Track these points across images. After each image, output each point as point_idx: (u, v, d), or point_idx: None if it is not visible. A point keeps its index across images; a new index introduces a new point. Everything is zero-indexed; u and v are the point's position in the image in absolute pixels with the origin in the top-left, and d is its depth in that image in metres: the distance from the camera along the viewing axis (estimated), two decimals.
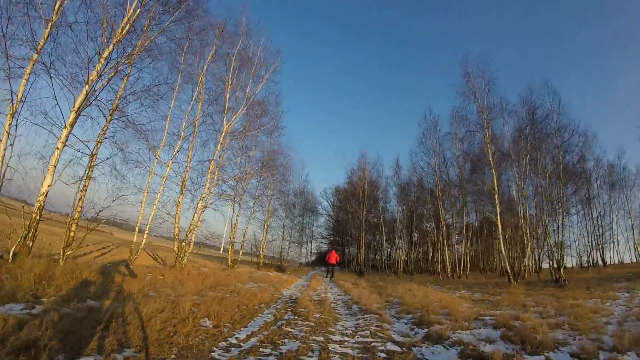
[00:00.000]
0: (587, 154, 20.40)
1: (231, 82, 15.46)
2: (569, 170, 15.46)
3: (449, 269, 22.39)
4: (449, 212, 24.41)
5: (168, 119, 14.05)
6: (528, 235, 15.21)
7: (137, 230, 13.67)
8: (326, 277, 19.14)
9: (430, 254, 32.70)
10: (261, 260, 21.18)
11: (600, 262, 22.95)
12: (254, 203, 20.14)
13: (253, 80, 15.89)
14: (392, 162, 35.21)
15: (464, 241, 24.26)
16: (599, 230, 23.10)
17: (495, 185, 14.23)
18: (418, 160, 26.14)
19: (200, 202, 14.07)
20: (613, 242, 24.29)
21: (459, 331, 4.85)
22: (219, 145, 14.09)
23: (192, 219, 14.15)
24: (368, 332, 5.03)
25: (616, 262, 24.49)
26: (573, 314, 5.85)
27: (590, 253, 22.76)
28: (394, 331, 5.20)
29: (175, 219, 14.56)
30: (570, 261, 23.09)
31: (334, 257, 18.93)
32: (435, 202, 24.20)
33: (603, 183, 23.47)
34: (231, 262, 18.72)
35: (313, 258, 49.44)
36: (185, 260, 14.54)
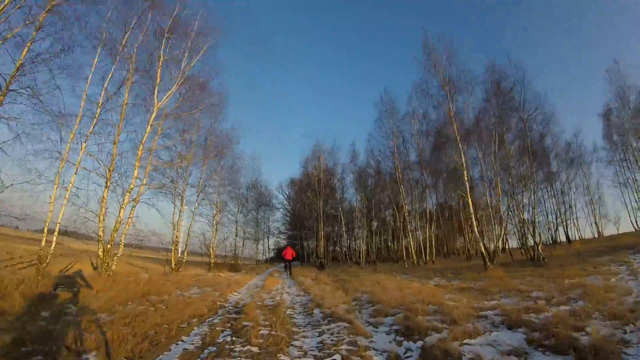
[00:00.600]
0: (546, 132, 20.63)
1: (163, 57, 13.17)
2: (534, 146, 15.20)
3: (414, 255, 21.84)
4: (409, 196, 23.87)
5: (84, 97, 11.48)
6: (501, 213, 14.78)
7: (45, 230, 11.03)
8: (284, 272, 18.59)
9: (391, 242, 32.43)
10: (212, 261, 19.03)
11: (564, 239, 23.70)
12: (198, 195, 17.85)
13: (189, 54, 13.70)
14: (349, 150, 33.90)
15: (427, 225, 23.84)
16: (562, 208, 23.69)
17: (464, 160, 13.48)
18: (375, 144, 25.22)
19: (127, 194, 11.76)
20: (574, 218, 25.26)
21: (467, 340, 3.52)
22: (149, 127, 11.85)
23: (119, 216, 11.80)
24: (338, 357, 3.54)
25: (577, 238, 25.40)
26: (587, 297, 4.89)
27: (556, 230, 23.18)
28: (375, 350, 3.77)
29: (99, 217, 12.07)
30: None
31: (290, 253, 18.74)
32: (394, 187, 23.49)
33: (561, 161, 24.12)
34: (175, 264, 16.44)
35: (272, 254, 47.56)
36: (115, 265, 12.17)
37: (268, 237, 40.35)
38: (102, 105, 10.98)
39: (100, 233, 12.15)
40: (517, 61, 15.48)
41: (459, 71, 14.38)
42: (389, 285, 8.34)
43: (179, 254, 16.99)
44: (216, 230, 19.51)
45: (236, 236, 25.13)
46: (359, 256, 28.30)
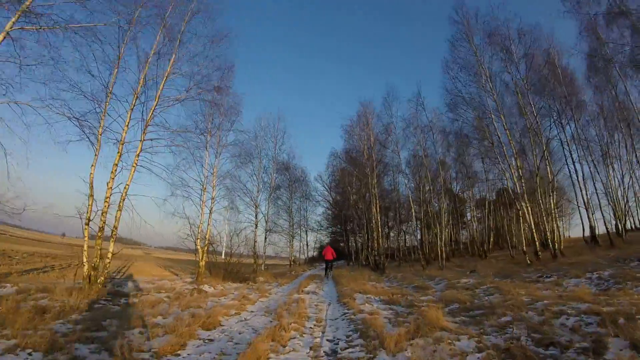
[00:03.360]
0: None
1: None
2: None
3: (527, 249, 13.25)
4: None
5: None
6: None
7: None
8: (325, 275, 16.55)
9: (478, 229, 23.59)
10: (202, 262, 11.51)
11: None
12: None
13: None
14: (411, 103, 21.67)
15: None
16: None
17: None
18: (455, 77, 16.01)
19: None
20: None
21: None
22: None
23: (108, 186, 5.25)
24: None
25: None
26: None
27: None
28: None
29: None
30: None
31: (330, 253, 17.26)
32: (489, 150, 14.82)
33: None
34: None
35: (313, 253, 40.28)
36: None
37: (306, 232, 32.97)
38: None
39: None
40: None
41: None
42: None
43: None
44: (212, 211, 12.33)
45: (256, 227, 18.28)
46: (436, 252, 20.19)
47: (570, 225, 29.87)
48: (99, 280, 7.46)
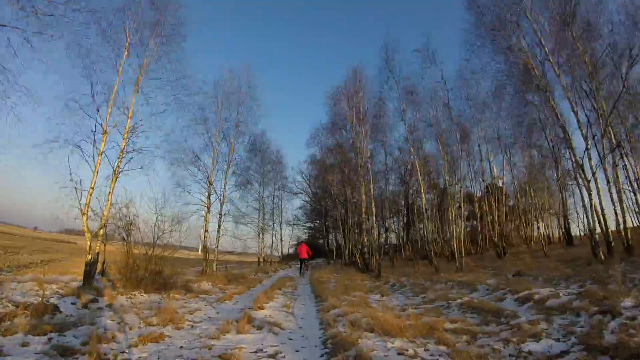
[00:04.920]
0: None
1: None
2: None
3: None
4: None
5: None
6: None
7: None
8: (300, 274, 15.43)
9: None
10: (88, 259, 6.46)
11: None
12: None
13: None
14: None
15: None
16: None
17: None
18: None
19: None
20: None
21: None
22: None
23: None
24: None
25: None
26: None
27: None
28: None
29: None
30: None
31: (304, 251, 16.31)
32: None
33: None
34: None
35: (290, 250, 35.24)
36: None
37: (281, 225, 28.08)
38: None
39: None
40: None
41: None
42: None
43: None
44: (117, 173, 7.05)
45: (207, 211, 12.49)
46: (450, 247, 15.93)
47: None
48: None
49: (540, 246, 15.44)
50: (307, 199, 35.44)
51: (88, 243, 6.39)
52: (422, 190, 14.41)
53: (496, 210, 17.90)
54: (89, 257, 6.32)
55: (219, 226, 12.97)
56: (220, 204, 13.11)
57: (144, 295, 6.43)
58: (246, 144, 15.80)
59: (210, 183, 12.89)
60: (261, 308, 5.67)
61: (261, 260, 21.61)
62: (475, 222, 23.12)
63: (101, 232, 6.81)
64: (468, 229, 22.85)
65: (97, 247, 6.64)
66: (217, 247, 12.70)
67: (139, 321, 4.66)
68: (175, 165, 12.74)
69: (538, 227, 19.63)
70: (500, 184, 18.84)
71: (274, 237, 26.54)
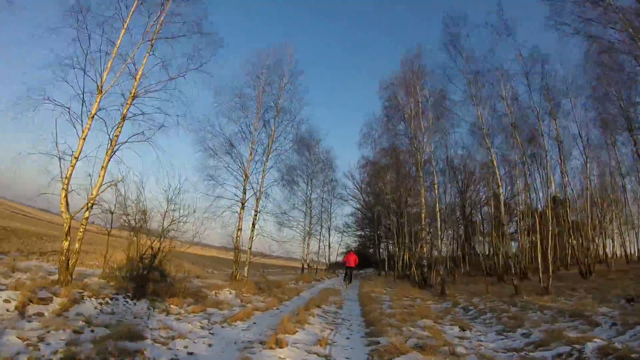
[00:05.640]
0: None
1: None
2: None
3: None
4: None
5: None
6: None
7: None
8: (344, 280, 16.26)
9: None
10: (64, 248, 5.15)
11: None
12: None
13: None
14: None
15: None
16: None
17: None
18: None
19: None
20: None
21: None
22: None
23: None
24: None
25: None
26: None
27: None
28: None
29: None
30: None
31: (352, 259, 16.19)
32: None
33: None
34: None
35: (339, 258, 33.21)
36: None
37: (329, 231, 26.01)
38: None
39: None
40: None
41: None
42: None
43: None
44: (113, 144, 5.45)
45: (242, 207, 10.94)
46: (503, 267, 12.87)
47: None
48: None
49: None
50: (357, 206, 33.42)
51: (66, 226, 5.07)
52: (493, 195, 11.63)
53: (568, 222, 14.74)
54: (66, 243, 4.98)
55: (253, 225, 11.36)
56: (257, 199, 11.53)
57: (128, 300, 4.89)
58: (289, 132, 13.94)
59: (246, 176, 11.41)
60: (280, 344, 3.72)
61: (305, 266, 19.88)
62: (534, 237, 19.56)
63: (86, 214, 5.45)
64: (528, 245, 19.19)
65: (81, 233, 5.31)
66: (250, 247, 11.09)
67: None
68: (206, 153, 11.45)
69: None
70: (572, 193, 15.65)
71: (321, 243, 24.59)
